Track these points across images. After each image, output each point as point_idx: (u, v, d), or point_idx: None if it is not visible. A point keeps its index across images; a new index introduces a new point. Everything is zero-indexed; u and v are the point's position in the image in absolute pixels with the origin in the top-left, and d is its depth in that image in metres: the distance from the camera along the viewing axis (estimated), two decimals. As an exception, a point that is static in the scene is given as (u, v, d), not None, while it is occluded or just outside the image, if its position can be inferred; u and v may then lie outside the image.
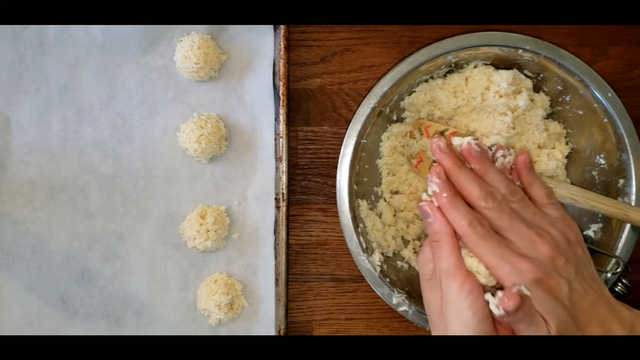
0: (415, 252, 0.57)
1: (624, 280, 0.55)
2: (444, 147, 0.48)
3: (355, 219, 0.54)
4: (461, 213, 0.45)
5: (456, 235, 0.45)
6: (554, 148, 0.57)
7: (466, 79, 0.54)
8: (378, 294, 0.54)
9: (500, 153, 0.50)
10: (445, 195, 0.46)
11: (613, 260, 0.55)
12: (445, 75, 0.56)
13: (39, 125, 0.54)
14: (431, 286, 0.46)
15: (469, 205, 0.46)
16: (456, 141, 0.49)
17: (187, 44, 0.53)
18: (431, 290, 0.46)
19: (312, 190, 0.57)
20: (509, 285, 0.42)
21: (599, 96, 0.53)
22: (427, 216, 0.47)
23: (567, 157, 0.57)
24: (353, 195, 0.54)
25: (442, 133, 0.55)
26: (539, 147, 0.56)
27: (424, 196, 0.48)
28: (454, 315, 0.43)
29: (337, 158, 0.54)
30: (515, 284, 0.42)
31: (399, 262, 0.57)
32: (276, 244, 0.55)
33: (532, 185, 0.50)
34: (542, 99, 0.56)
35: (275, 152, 0.55)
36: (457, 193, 0.46)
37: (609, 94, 0.53)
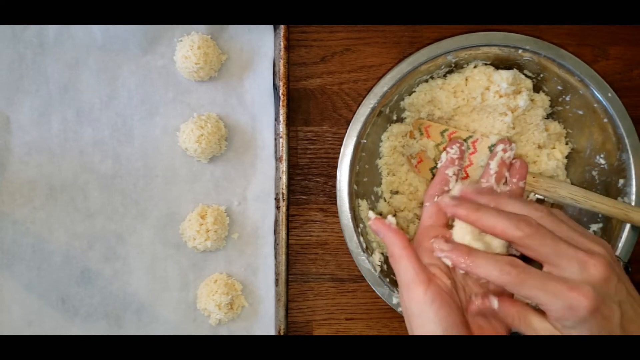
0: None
1: (624, 280, 0.55)
2: (449, 200, 0.44)
3: (355, 219, 0.54)
4: (487, 266, 0.41)
5: (411, 248, 0.43)
6: (554, 148, 0.57)
7: (466, 79, 0.54)
8: (378, 294, 0.54)
9: (500, 147, 0.50)
10: (461, 259, 0.42)
11: (613, 260, 0.55)
12: (445, 75, 0.56)
13: (39, 125, 0.54)
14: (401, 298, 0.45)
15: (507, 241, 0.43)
16: (455, 190, 0.47)
17: (187, 44, 0.53)
18: (401, 302, 0.45)
19: (312, 190, 0.57)
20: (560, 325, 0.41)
21: (599, 96, 0.53)
22: (377, 233, 0.45)
23: (567, 157, 0.57)
24: (353, 195, 0.54)
25: (442, 133, 0.55)
26: (539, 147, 0.56)
27: (371, 214, 0.45)
28: (418, 327, 0.42)
29: (337, 158, 0.54)
30: (565, 319, 0.40)
31: (399, 262, 0.56)
32: (276, 244, 0.55)
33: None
34: (542, 99, 0.56)
35: (275, 152, 0.55)
36: (471, 249, 0.43)
37: (609, 94, 0.53)
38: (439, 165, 0.52)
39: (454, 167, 0.52)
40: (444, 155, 0.53)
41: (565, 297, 0.39)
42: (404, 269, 0.43)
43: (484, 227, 0.42)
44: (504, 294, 0.45)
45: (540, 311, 0.42)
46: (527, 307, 0.43)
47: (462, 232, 0.46)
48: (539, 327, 0.42)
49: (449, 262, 0.43)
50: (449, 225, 0.48)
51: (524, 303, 0.43)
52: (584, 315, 0.39)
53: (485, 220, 0.42)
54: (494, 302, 0.43)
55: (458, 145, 0.53)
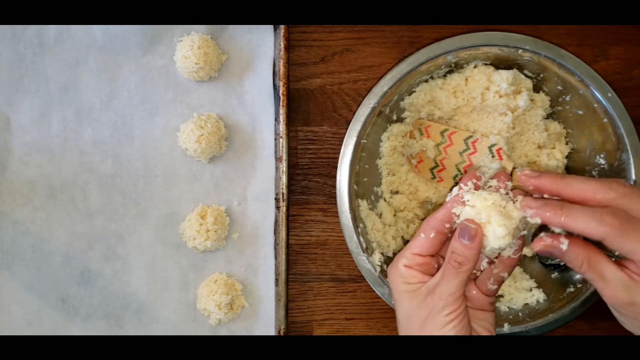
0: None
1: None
2: (531, 172, 0.43)
3: (355, 219, 0.54)
4: (585, 217, 0.38)
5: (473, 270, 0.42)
6: (554, 148, 0.57)
7: (466, 79, 0.54)
8: (378, 294, 0.54)
9: (494, 182, 0.46)
10: (553, 213, 0.40)
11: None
12: (445, 75, 0.56)
13: (39, 125, 0.54)
14: (412, 297, 0.44)
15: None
16: (524, 178, 0.44)
17: (187, 44, 0.53)
18: (412, 300, 0.45)
19: (312, 190, 0.57)
20: None
21: (599, 96, 0.53)
22: (469, 238, 0.42)
23: (567, 157, 0.57)
24: (353, 195, 0.54)
25: (442, 133, 0.55)
26: (539, 147, 0.56)
27: (467, 210, 0.43)
28: (433, 331, 0.42)
29: (337, 158, 0.54)
30: None
31: (399, 262, 0.56)
32: (276, 244, 0.55)
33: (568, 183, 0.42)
34: (542, 99, 0.56)
35: (275, 152, 0.55)
36: (563, 202, 0.40)
37: (609, 94, 0.53)
38: (448, 198, 0.46)
39: (461, 207, 0.46)
40: (455, 189, 0.46)
41: None
42: (459, 281, 0.43)
43: (572, 196, 0.40)
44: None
45: (615, 261, 0.40)
46: (601, 253, 0.41)
47: (477, 208, 0.44)
48: (612, 276, 0.39)
49: (538, 220, 0.41)
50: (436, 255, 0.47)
51: (597, 248, 0.41)
52: None
53: (572, 185, 0.40)
54: (564, 243, 0.41)
55: (474, 180, 0.46)
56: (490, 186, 0.46)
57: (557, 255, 0.42)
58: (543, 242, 0.42)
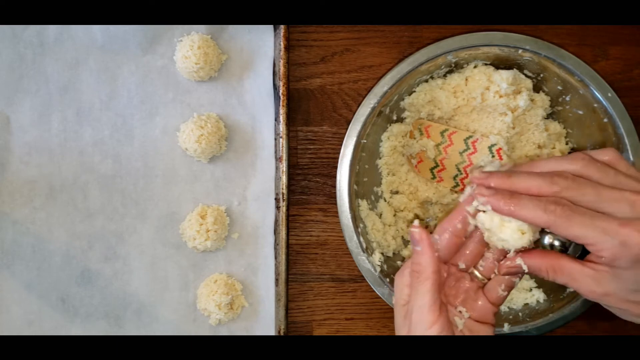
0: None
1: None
2: (479, 174, 0.43)
3: (355, 219, 0.54)
4: (531, 206, 0.39)
5: (440, 273, 0.42)
6: (554, 148, 0.57)
7: (466, 79, 0.54)
8: (378, 294, 0.54)
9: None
10: (503, 202, 0.40)
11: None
12: (445, 75, 0.56)
13: (39, 125, 0.54)
14: (404, 312, 0.44)
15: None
16: (476, 181, 0.44)
17: (187, 44, 0.53)
18: (398, 315, 0.44)
19: (312, 190, 0.57)
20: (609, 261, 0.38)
21: (599, 96, 0.53)
22: (416, 244, 0.43)
23: (567, 157, 0.57)
24: (353, 195, 0.54)
25: (442, 133, 0.55)
26: (539, 147, 0.56)
27: (416, 222, 0.44)
28: None
29: (337, 158, 0.54)
30: (618, 259, 0.38)
31: (399, 262, 0.57)
32: (276, 244, 0.55)
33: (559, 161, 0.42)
34: (542, 99, 0.56)
35: (275, 152, 0.55)
36: (513, 192, 0.41)
37: (609, 94, 0.53)
38: (462, 199, 0.45)
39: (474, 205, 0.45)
40: (468, 188, 0.45)
41: (617, 233, 0.37)
42: (425, 291, 0.41)
43: (520, 191, 0.41)
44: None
45: (575, 258, 0.41)
46: (562, 256, 0.41)
47: (490, 212, 0.43)
48: (578, 273, 0.40)
49: (489, 207, 0.41)
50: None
51: (554, 253, 0.42)
52: (638, 253, 0.37)
53: (518, 183, 0.41)
54: (519, 261, 0.42)
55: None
56: None
57: (522, 272, 0.43)
58: (503, 267, 0.44)
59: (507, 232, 0.42)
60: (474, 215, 0.44)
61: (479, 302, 0.45)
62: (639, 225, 0.37)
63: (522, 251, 0.43)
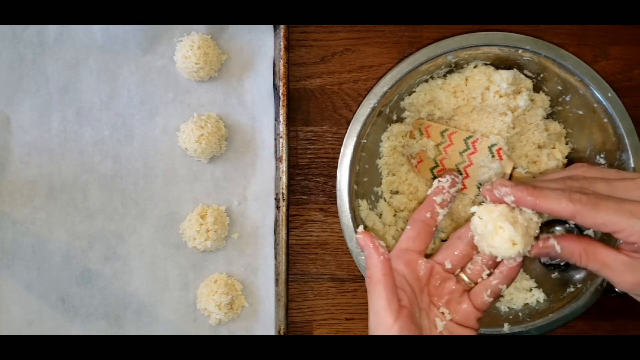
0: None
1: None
2: (503, 182, 0.42)
3: (355, 219, 0.54)
4: (555, 196, 0.39)
5: (391, 275, 0.41)
6: (554, 148, 0.57)
7: (466, 79, 0.54)
8: (378, 294, 0.54)
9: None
10: (527, 192, 0.40)
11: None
12: (445, 75, 0.56)
13: (39, 125, 0.54)
14: (369, 313, 0.43)
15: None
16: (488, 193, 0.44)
17: (187, 44, 0.53)
18: (369, 317, 0.43)
19: (312, 190, 0.57)
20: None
21: (599, 96, 0.53)
22: (362, 249, 0.43)
23: (567, 157, 0.57)
24: (353, 195, 0.54)
25: (442, 133, 0.55)
26: (539, 147, 0.56)
27: (361, 228, 0.45)
28: None
29: (337, 158, 0.54)
30: None
31: (399, 262, 0.56)
32: (276, 244, 0.55)
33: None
34: (542, 99, 0.56)
35: (275, 152, 0.55)
36: (534, 185, 0.41)
37: (609, 94, 0.53)
38: (429, 192, 0.49)
39: (442, 195, 0.49)
40: (435, 182, 0.50)
41: None
42: (378, 295, 0.41)
43: (544, 204, 0.40)
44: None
45: (608, 245, 0.40)
46: (596, 242, 0.41)
47: (484, 220, 0.43)
48: (613, 260, 0.40)
49: (511, 199, 0.41)
50: (424, 253, 0.48)
51: (589, 238, 0.42)
52: None
53: (538, 196, 0.40)
54: (554, 243, 0.42)
55: (452, 176, 0.50)
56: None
57: (554, 255, 0.42)
58: (536, 248, 0.43)
59: (498, 240, 0.42)
60: (442, 205, 0.48)
61: (463, 306, 0.45)
62: None
63: (559, 235, 0.42)
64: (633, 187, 0.39)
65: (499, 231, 0.42)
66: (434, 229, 0.48)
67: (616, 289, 0.52)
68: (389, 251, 0.45)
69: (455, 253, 0.47)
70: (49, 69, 0.54)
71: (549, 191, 0.40)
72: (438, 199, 0.48)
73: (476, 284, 0.46)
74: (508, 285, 0.45)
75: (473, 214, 0.44)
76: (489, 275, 0.46)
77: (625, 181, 0.40)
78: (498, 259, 0.44)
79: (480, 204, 0.44)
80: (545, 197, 0.39)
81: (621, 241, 0.39)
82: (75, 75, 0.54)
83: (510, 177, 0.54)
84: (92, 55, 0.54)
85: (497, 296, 0.46)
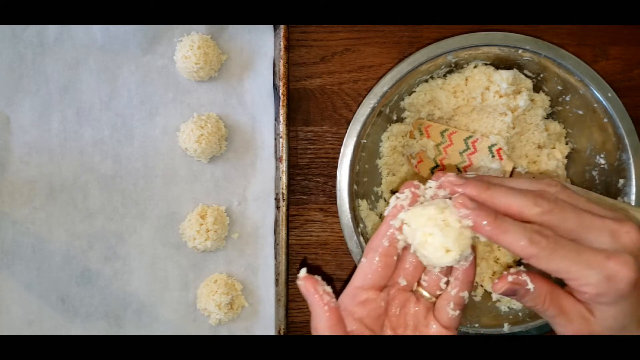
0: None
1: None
2: (456, 178, 0.39)
3: (355, 219, 0.54)
4: (515, 233, 0.36)
5: (339, 326, 0.39)
6: (554, 148, 0.57)
7: (466, 79, 0.54)
8: (378, 294, 0.54)
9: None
10: (486, 222, 0.36)
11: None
12: (445, 75, 0.56)
13: (39, 125, 0.54)
14: None
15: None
16: (447, 184, 0.40)
17: (187, 44, 0.53)
18: None
19: (312, 190, 0.57)
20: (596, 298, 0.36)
21: (599, 96, 0.53)
22: (305, 297, 0.41)
23: (567, 157, 0.57)
24: (353, 195, 0.54)
25: (442, 133, 0.55)
26: (539, 147, 0.56)
27: (303, 271, 0.41)
28: None
29: (337, 158, 0.54)
30: (602, 295, 0.35)
31: (399, 262, 0.56)
32: (276, 244, 0.55)
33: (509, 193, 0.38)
34: (542, 99, 0.56)
35: (275, 152, 0.55)
36: (497, 212, 0.37)
37: (609, 94, 0.53)
38: (386, 212, 0.41)
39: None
40: (393, 199, 0.41)
41: (603, 267, 0.35)
42: (316, 320, 0.40)
43: (497, 207, 0.37)
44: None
45: (568, 293, 0.38)
46: (558, 286, 0.38)
47: (412, 228, 0.39)
48: (572, 309, 0.37)
49: (470, 222, 0.37)
50: (383, 288, 0.42)
51: (553, 282, 0.38)
52: (624, 288, 0.35)
53: (497, 198, 0.37)
54: (527, 280, 0.38)
55: (412, 188, 0.41)
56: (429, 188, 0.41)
57: (521, 295, 0.39)
58: (505, 282, 0.38)
59: (430, 249, 0.38)
60: (401, 230, 0.40)
61: (432, 328, 0.41)
62: (624, 257, 0.35)
63: (525, 271, 0.39)
64: (601, 228, 0.36)
65: (428, 239, 0.38)
66: (395, 258, 0.41)
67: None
68: (343, 288, 0.42)
69: (407, 266, 0.41)
70: (49, 69, 0.54)
71: (510, 225, 0.36)
72: (396, 222, 0.40)
73: (437, 297, 0.41)
74: (470, 290, 0.41)
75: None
76: (447, 284, 0.41)
77: (594, 218, 0.37)
78: (436, 269, 0.40)
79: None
80: (505, 232, 0.36)
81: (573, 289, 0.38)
82: (75, 75, 0.54)
83: (511, 176, 0.54)
84: (92, 55, 0.54)
85: (463, 307, 0.41)
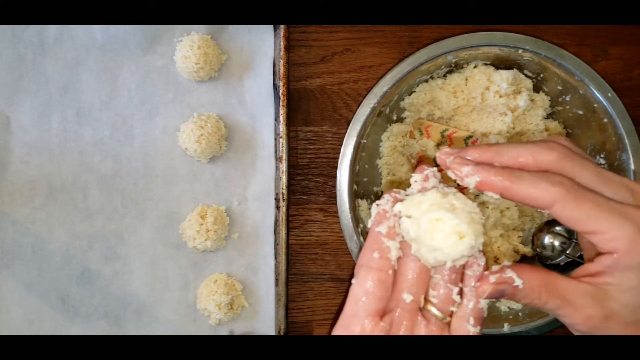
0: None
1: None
2: (451, 149, 0.35)
3: (355, 219, 0.54)
4: (532, 179, 0.31)
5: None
6: (554, 148, 0.57)
7: (466, 79, 0.54)
8: (378, 294, 0.54)
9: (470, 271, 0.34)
10: (493, 172, 0.32)
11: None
12: (445, 75, 0.56)
13: (39, 125, 0.54)
14: None
15: None
16: (443, 157, 0.36)
17: (187, 44, 0.53)
18: None
19: (312, 190, 0.57)
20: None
21: (599, 96, 0.53)
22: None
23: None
24: (353, 195, 0.54)
25: (442, 133, 0.55)
26: (539, 147, 0.56)
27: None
28: None
29: (337, 158, 0.54)
30: (634, 253, 0.30)
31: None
32: (276, 244, 0.55)
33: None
34: (542, 99, 0.56)
35: (275, 152, 0.55)
36: (506, 165, 0.33)
37: (609, 94, 0.53)
38: (369, 224, 0.35)
39: (387, 222, 0.34)
40: (373, 207, 0.35)
41: (636, 217, 0.30)
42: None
43: (508, 159, 0.33)
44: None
45: (566, 276, 0.33)
46: (552, 272, 0.33)
47: (414, 218, 0.33)
48: (574, 293, 0.32)
49: (477, 179, 0.32)
50: (382, 313, 0.35)
51: (544, 269, 0.34)
52: None
53: (504, 152, 0.33)
54: (513, 275, 0.33)
55: (392, 194, 0.35)
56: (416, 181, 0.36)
57: (510, 292, 0.33)
58: (488, 284, 0.33)
59: (440, 236, 0.32)
60: (390, 236, 0.34)
61: None
62: None
63: (509, 266, 0.33)
64: (619, 183, 0.32)
65: (436, 225, 0.32)
66: (390, 272, 0.34)
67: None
68: (335, 319, 0.35)
69: (409, 276, 0.34)
70: (49, 69, 0.54)
71: (524, 173, 0.31)
72: (382, 228, 0.34)
73: (451, 315, 0.34)
74: (489, 298, 0.34)
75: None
76: (461, 295, 0.34)
77: (609, 172, 0.33)
78: (448, 264, 0.33)
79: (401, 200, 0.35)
80: (519, 179, 0.31)
81: (593, 250, 0.33)
82: (75, 75, 0.54)
83: None
84: (92, 55, 0.54)
85: (483, 320, 0.35)
